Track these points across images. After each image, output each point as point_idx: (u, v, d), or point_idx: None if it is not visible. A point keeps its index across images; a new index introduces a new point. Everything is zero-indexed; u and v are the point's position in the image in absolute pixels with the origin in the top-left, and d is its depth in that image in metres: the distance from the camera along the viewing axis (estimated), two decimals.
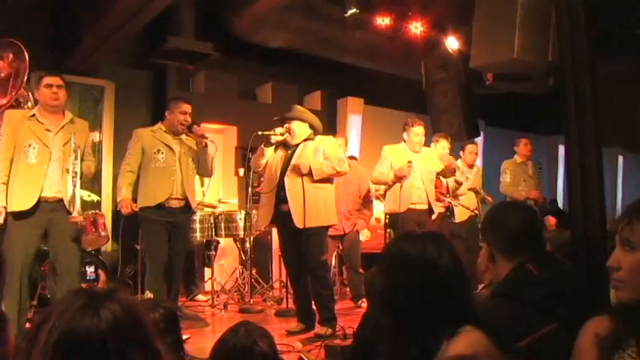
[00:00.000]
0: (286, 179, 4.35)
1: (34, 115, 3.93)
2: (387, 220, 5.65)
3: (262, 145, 4.48)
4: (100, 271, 5.07)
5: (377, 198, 6.29)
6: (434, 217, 5.66)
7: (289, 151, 4.46)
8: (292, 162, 4.37)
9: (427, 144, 6.21)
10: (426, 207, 5.31)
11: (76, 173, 3.83)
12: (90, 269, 4.39)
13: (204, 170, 4.56)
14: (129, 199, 4.35)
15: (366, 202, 6.05)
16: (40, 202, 3.84)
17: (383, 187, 5.71)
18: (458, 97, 7.21)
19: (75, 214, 3.82)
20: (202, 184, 5.60)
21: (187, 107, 4.50)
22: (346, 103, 8.59)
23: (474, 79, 6.82)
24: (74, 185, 3.80)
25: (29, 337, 0.99)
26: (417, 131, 5.31)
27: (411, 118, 5.51)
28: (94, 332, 0.95)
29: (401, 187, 5.12)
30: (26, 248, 3.79)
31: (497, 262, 1.85)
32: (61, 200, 3.88)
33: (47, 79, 3.95)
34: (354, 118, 8.63)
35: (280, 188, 4.37)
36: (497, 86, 6.05)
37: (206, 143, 4.43)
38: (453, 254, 1.47)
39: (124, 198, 4.36)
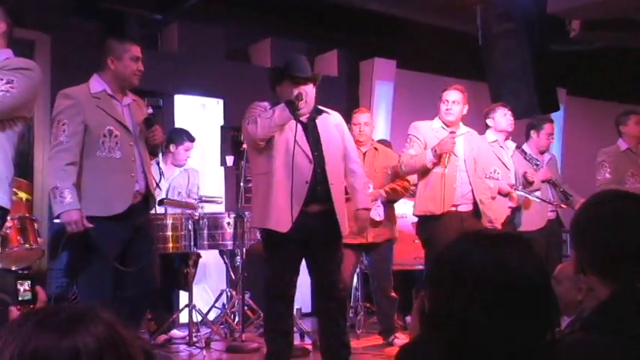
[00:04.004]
0: (328, 168, 4.11)
1: None
2: (416, 229, 5.36)
3: (285, 106, 4.13)
4: (39, 289, 4.90)
5: (413, 195, 6.04)
6: (499, 223, 5.27)
7: (309, 125, 4.29)
8: (323, 141, 4.20)
9: (482, 120, 6.02)
10: (470, 208, 5.03)
11: None
12: (24, 286, 4.19)
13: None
14: (79, 210, 3.77)
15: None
16: None
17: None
18: (528, 57, 6.89)
19: None
20: None
21: (138, 50, 4.11)
22: (372, 67, 8.24)
23: (551, 31, 6.83)
24: None
25: None
26: (453, 97, 5.15)
27: (448, 84, 5.39)
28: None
29: (443, 173, 4.87)
30: None
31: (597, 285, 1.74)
32: None
33: None
34: (383, 86, 8.30)
35: (318, 180, 4.08)
36: (586, 39, 6.14)
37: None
38: (539, 264, 1.39)
39: (72, 209, 3.76)
